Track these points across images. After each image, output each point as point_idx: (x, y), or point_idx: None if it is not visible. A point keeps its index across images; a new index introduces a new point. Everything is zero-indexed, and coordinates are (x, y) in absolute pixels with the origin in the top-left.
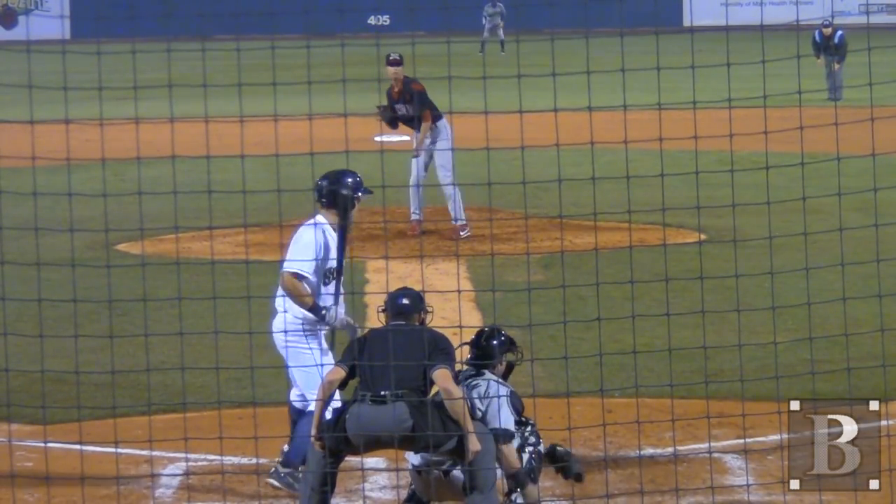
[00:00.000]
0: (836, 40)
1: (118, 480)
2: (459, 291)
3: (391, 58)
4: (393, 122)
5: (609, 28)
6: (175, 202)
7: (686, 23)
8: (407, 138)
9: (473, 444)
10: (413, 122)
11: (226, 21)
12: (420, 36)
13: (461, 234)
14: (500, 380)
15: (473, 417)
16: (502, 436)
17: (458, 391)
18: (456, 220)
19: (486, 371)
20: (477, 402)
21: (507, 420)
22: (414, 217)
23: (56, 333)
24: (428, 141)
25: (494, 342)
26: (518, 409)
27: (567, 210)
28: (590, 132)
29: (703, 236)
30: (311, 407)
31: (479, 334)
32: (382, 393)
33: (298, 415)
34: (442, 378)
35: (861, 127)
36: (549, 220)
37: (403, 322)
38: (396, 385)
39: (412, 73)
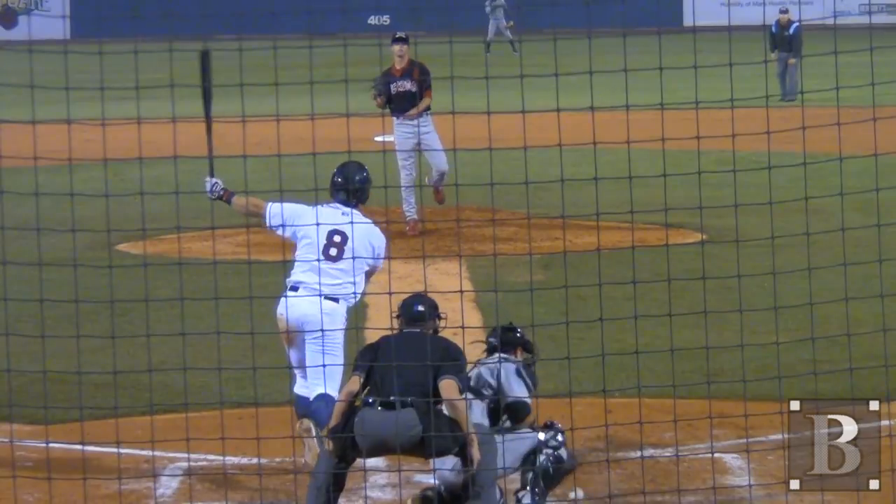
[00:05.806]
0: (790, 31)
1: (119, 481)
2: (462, 292)
3: (398, 35)
4: (389, 97)
5: (611, 28)
6: (177, 202)
7: (686, 23)
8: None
9: (475, 454)
10: (410, 99)
11: (228, 21)
12: (420, 36)
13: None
14: (512, 357)
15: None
16: (519, 409)
17: (461, 405)
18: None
19: (499, 354)
20: (488, 377)
21: (518, 388)
22: (412, 216)
23: (57, 333)
24: (415, 125)
25: (512, 333)
26: (532, 384)
27: (567, 210)
28: (591, 132)
29: (704, 236)
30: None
31: (499, 328)
32: (392, 399)
33: (307, 409)
34: (448, 389)
35: (861, 127)
36: (550, 220)
37: (417, 329)
38: (406, 391)
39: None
